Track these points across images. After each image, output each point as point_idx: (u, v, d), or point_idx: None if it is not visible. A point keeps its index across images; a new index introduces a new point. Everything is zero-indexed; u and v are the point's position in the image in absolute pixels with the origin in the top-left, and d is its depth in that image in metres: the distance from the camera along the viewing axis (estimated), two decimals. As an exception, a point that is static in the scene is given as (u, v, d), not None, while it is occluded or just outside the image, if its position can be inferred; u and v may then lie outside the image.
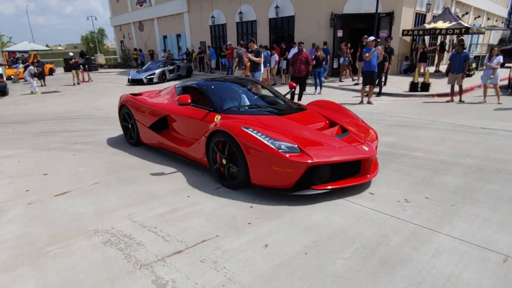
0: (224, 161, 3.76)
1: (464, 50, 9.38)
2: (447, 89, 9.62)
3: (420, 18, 16.36)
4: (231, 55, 16.41)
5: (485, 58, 10.15)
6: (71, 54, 20.49)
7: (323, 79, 11.91)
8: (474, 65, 14.55)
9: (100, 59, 32.59)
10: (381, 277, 2.28)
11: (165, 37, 25.45)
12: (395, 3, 14.52)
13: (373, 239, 2.72)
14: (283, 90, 5.49)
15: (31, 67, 14.64)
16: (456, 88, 9.23)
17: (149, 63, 18.30)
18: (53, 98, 12.32)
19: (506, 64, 14.67)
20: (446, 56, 16.97)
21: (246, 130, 3.48)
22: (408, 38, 15.62)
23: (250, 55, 9.24)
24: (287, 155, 3.25)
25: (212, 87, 4.81)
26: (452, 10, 17.12)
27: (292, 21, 16.38)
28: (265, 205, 3.35)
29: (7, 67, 19.62)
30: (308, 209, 3.25)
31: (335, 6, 14.98)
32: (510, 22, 33.64)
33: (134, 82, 15.65)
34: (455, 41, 15.32)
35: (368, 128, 4.29)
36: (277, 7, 16.50)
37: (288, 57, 13.15)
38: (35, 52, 21.01)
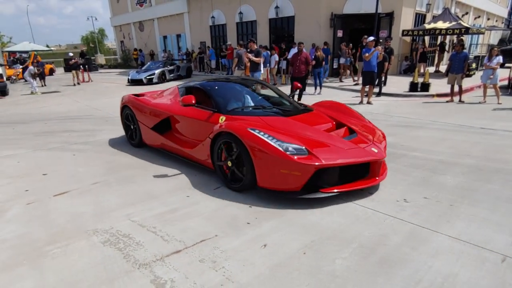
0: (229, 163, 3.69)
1: (464, 50, 9.39)
2: (447, 89, 9.61)
3: (420, 18, 16.36)
4: (231, 55, 16.40)
5: (485, 58, 10.14)
6: (70, 54, 20.47)
7: (324, 79, 11.92)
8: (474, 65, 14.54)
9: (100, 59, 32.58)
10: (379, 276, 2.28)
11: (165, 37, 25.46)
12: (395, 3, 14.53)
13: (371, 239, 2.73)
14: (283, 90, 5.48)
15: (31, 67, 14.65)
16: (456, 88, 9.22)
17: (148, 63, 18.30)
18: (53, 98, 12.33)
19: (506, 64, 14.68)
20: (446, 56, 16.96)
21: (252, 131, 3.40)
22: (408, 38, 15.62)
23: (250, 55, 9.23)
24: (295, 157, 3.18)
25: (216, 87, 4.73)
26: (452, 10, 17.12)
27: (292, 21, 16.38)
28: (264, 205, 3.35)
29: (7, 67, 19.63)
30: (307, 209, 3.25)
31: (335, 6, 14.99)
32: (510, 22, 33.65)
33: (133, 82, 15.65)
34: (455, 41, 15.32)
35: (375, 129, 4.22)
36: (277, 7, 16.51)
37: (288, 57, 13.16)
38: (35, 53, 21.00)
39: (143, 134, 5.23)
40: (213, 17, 20.32)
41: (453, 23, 14.32)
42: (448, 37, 17.47)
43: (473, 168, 4.21)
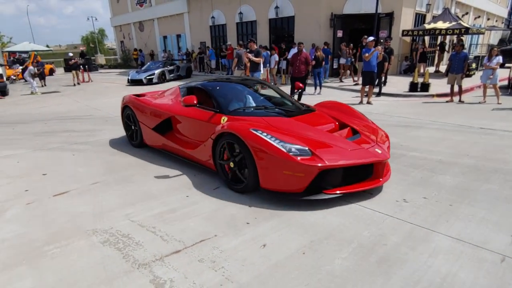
0: (231, 164, 3.67)
1: (464, 50, 9.39)
2: (447, 89, 9.62)
3: (420, 18, 16.36)
4: (231, 55, 16.41)
5: (485, 58, 10.14)
6: (70, 54, 20.48)
7: (324, 79, 11.93)
8: (474, 65, 14.55)
9: (100, 59, 32.57)
10: (378, 276, 2.29)
11: (165, 37, 25.47)
12: (395, 3, 14.53)
13: (371, 239, 2.73)
14: (284, 90, 5.47)
15: (31, 67, 14.66)
16: (456, 88, 9.23)
17: (148, 63, 18.31)
18: (53, 98, 12.33)
19: (506, 64, 14.68)
20: (446, 56, 16.96)
21: (255, 132, 3.36)
22: (408, 39, 15.62)
23: (250, 55, 9.24)
24: (298, 158, 3.14)
25: (218, 87, 4.70)
26: (452, 11, 17.13)
27: (292, 21, 16.39)
28: (263, 205, 3.35)
29: (7, 67, 19.64)
30: (306, 209, 3.25)
31: (335, 7, 14.99)
32: (510, 22, 33.65)
33: (133, 82, 15.66)
34: (455, 42, 15.33)
35: (378, 129, 4.19)
36: (277, 7, 16.52)
37: (288, 58, 13.16)
38: (35, 53, 21.00)
39: (144, 134, 5.21)
40: (213, 17, 20.33)
41: (453, 23, 14.33)
42: (448, 37, 17.48)
43: (472, 168, 4.21)
